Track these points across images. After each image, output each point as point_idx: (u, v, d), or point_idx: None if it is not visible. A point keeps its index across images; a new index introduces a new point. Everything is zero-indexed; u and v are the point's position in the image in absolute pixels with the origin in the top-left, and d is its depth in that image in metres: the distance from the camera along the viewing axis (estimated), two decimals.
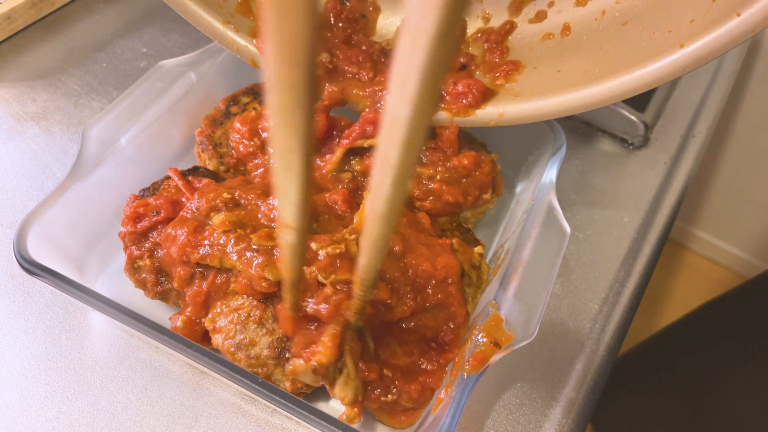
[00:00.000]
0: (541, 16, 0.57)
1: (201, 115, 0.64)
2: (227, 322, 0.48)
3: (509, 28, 0.58)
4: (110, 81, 0.74)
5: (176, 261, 0.49)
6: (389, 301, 0.46)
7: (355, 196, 0.54)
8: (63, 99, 0.71)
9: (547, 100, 0.52)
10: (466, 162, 0.56)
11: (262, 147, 0.58)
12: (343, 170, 0.57)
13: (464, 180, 0.56)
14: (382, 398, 0.47)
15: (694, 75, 0.83)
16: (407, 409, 0.49)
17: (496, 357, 0.44)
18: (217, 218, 0.48)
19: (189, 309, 0.50)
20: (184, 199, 0.53)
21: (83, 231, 0.54)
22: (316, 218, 0.50)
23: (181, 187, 0.54)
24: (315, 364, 0.43)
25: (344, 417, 0.46)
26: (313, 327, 0.45)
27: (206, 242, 0.48)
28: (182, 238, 0.48)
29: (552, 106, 0.52)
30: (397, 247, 0.49)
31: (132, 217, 0.52)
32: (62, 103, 0.71)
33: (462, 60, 0.58)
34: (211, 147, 0.61)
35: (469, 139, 0.62)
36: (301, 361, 0.44)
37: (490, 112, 0.55)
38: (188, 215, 0.50)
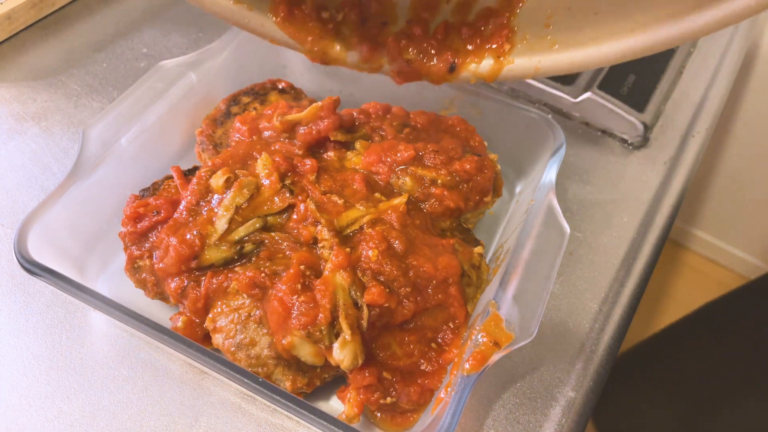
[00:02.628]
0: None
1: (201, 115, 0.64)
2: (228, 322, 0.48)
3: None
4: (110, 81, 0.74)
5: (171, 272, 0.49)
6: (388, 305, 0.46)
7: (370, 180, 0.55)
8: (63, 99, 0.71)
9: (583, 51, 0.47)
10: (468, 167, 0.56)
11: None
12: (343, 167, 0.57)
13: (466, 185, 0.56)
14: (381, 401, 0.47)
15: (694, 75, 0.83)
16: (405, 411, 0.49)
17: (496, 357, 0.45)
18: (215, 180, 0.51)
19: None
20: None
21: (83, 231, 0.54)
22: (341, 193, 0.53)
23: (179, 188, 0.54)
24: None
25: (344, 416, 0.46)
26: (303, 305, 0.46)
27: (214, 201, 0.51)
28: (172, 252, 0.49)
29: (589, 56, 0.47)
30: (398, 244, 0.49)
31: (132, 218, 0.52)
32: (62, 103, 0.71)
33: (450, 59, 0.53)
34: (211, 147, 0.61)
35: (471, 134, 0.62)
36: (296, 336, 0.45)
37: (525, 67, 0.50)
38: (181, 215, 0.51)
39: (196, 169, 0.58)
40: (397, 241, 0.49)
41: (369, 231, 0.49)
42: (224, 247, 0.49)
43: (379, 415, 0.49)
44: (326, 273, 0.46)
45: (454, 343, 0.50)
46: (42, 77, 0.73)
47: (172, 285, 0.49)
